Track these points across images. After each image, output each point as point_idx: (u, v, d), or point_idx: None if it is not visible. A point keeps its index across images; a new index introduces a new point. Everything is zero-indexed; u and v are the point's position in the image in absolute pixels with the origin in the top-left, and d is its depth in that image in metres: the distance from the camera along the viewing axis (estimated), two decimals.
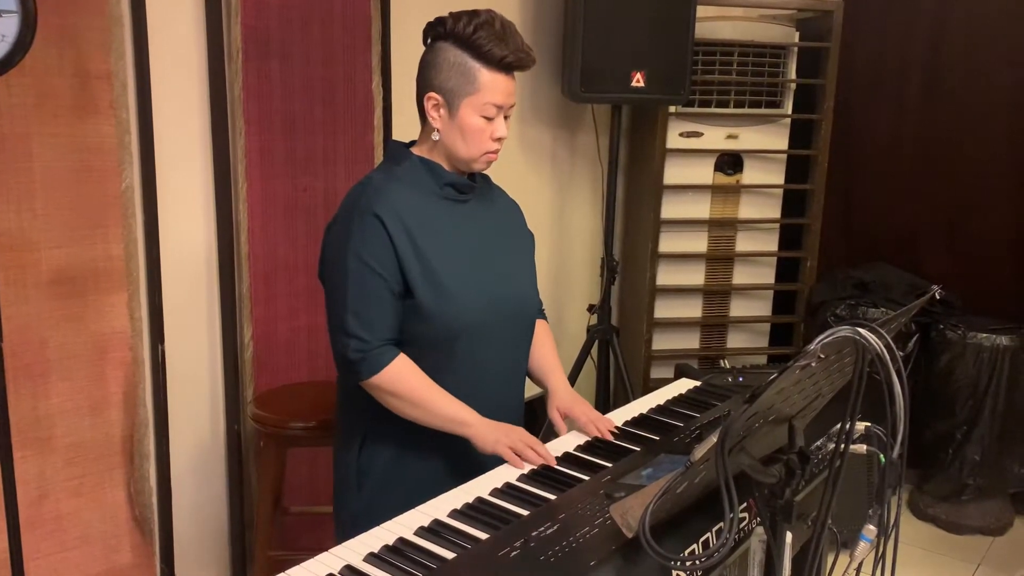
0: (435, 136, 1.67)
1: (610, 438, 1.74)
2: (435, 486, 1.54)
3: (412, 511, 1.42)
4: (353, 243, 1.61)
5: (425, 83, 1.66)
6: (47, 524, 2.14)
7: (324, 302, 1.71)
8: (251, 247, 2.47)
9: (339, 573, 1.23)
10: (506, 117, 1.67)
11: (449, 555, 1.27)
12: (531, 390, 1.94)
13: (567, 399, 1.83)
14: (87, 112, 2.09)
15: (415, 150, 1.73)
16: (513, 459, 1.60)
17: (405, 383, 1.63)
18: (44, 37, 1.94)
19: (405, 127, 2.70)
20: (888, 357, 1.09)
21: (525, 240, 1.90)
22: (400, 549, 1.29)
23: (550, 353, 1.91)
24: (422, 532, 1.35)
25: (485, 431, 1.64)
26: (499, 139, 1.66)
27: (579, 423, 1.78)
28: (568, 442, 1.72)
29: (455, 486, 1.53)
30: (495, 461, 1.64)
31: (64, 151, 2.07)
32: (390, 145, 1.79)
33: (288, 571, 1.22)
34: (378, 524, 1.38)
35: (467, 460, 1.72)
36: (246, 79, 2.38)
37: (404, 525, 1.37)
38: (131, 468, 2.27)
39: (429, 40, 1.68)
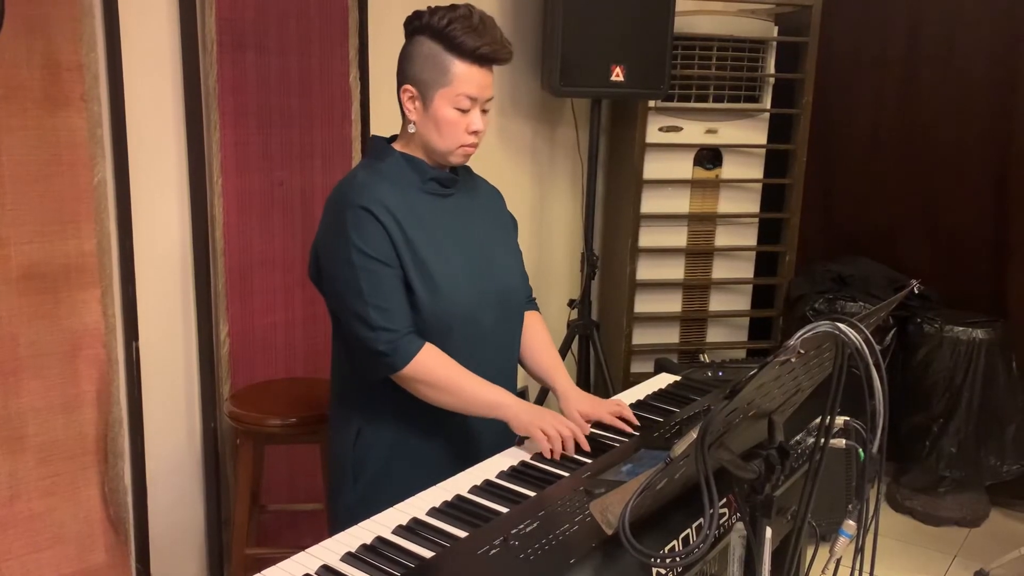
0: (411, 128, 1.68)
1: (636, 422, 1.74)
2: (432, 478, 1.53)
3: (390, 509, 1.41)
4: (353, 239, 1.59)
5: (402, 76, 1.68)
6: (19, 524, 2.10)
7: (326, 301, 1.69)
8: (226, 242, 2.43)
9: (316, 573, 1.21)
10: (484, 111, 1.67)
11: (428, 554, 1.26)
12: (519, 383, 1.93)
13: (586, 403, 1.79)
14: (57, 105, 2.05)
15: (396, 145, 1.73)
16: (544, 444, 1.60)
17: (437, 371, 1.62)
18: (12, 28, 1.89)
19: (383, 121, 2.67)
20: (867, 352, 1.09)
21: (508, 226, 1.90)
22: (378, 548, 1.28)
23: (549, 349, 1.89)
24: (400, 531, 1.33)
25: (520, 412, 1.63)
26: (475, 132, 1.66)
27: (607, 422, 1.76)
28: None
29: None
30: (493, 453, 1.63)
31: (34, 144, 2.02)
32: (372, 141, 1.78)
33: (264, 571, 1.21)
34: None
35: (465, 452, 1.72)
36: (221, 71, 2.35)
37: (382, 524, 1.36)
38: (105, 467, 2.24)
39: (409, 34, 1.68)
